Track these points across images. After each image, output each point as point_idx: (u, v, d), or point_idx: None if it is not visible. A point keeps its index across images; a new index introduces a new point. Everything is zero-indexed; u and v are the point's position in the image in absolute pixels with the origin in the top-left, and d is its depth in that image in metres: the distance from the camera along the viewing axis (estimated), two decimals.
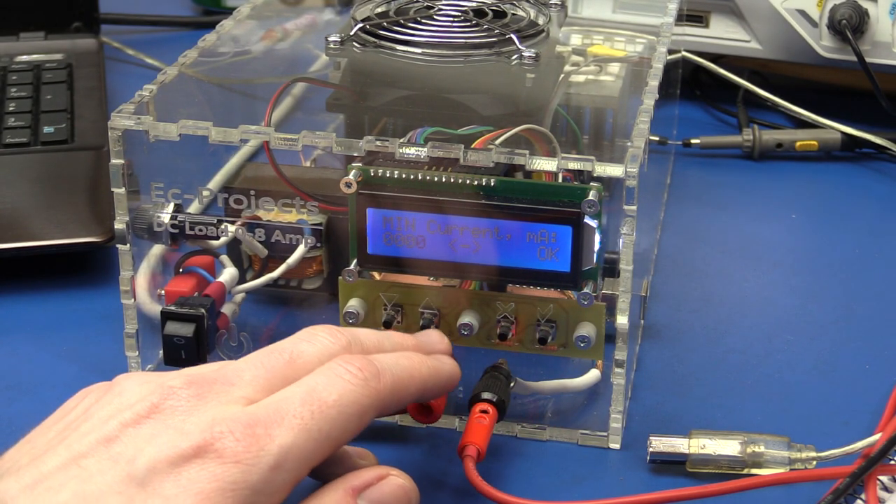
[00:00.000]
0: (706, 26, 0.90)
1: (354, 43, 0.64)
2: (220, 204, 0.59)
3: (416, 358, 0.51)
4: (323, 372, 0.47)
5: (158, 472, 0.42)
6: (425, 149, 0.53)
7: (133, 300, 0.59)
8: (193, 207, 0.60)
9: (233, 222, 0.59)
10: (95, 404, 0.46)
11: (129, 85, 0.70)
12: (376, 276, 0.58)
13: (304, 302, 0.65)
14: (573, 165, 0.52)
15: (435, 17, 0.65)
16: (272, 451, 0.43)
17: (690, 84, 0.95)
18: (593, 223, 0.54)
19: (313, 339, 0.49)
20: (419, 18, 0.65)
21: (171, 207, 0.59)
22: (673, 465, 0.55)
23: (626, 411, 0.58)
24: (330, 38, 0.64)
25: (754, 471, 0.54)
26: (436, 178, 0.54)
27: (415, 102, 0.63)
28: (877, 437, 0.53)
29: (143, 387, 0.45)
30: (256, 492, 0.43)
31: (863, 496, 0.51)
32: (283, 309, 0.66)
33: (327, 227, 0.61)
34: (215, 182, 0.71)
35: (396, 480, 0.47)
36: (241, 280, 0.61)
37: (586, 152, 0.54)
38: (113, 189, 0.57)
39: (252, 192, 0.59)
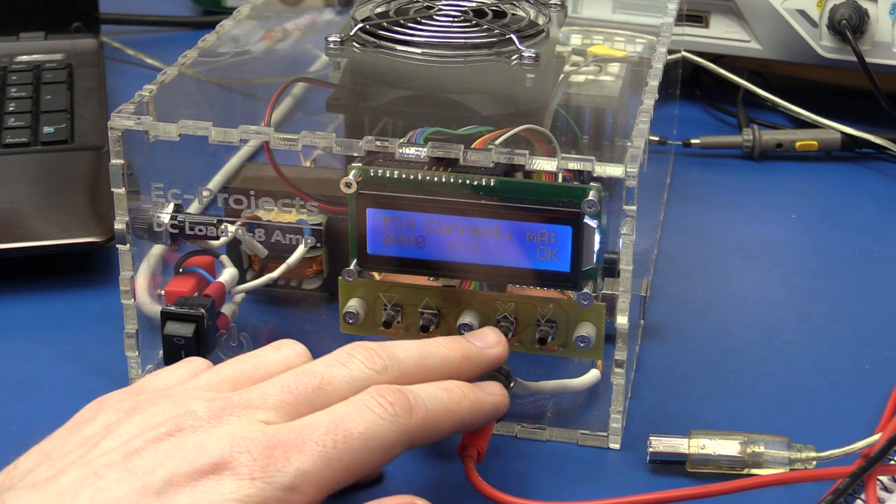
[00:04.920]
0: (706, 26, 0.90)
1: (354, 43, 0.64)
2: (220, 204, 0.59)
3: (458, 391, 0.49)
4: (354, 402, 0.46)
5: (175, 484, 0.42)
6: (425, 149, 0.53)
7: (133, 300, 0.59)
8: (193, 207, 0.60)
9: (233, 222, 0.59)
10: (116, 423, 0.45)
11: (129, 85, 0.70)
12: (376, 276, 0.58)
13: (304, 302, 0.65)
14: (573, 165, 0.52)
15: (435, 17, 0.65)
16: (289, 472, 0.43)
17: (690, 84, 0.95)
18: (593, 223, 0.54)
19: (349, 363, 0.48)
20: (419, 18, 0.65)
21: (171, 207, 0.59)
22: (673, 465, 0.55)
23: (626, 411, 0.58)
24: (330, 38, 0.64)
25: (754, 471, 0.54)
26: (436, 178, 0.54)
27: (415, 102, 0.63)
28: (877, 437, 0.53)
29: (167, 409, 0.45)
30: None
31: (863, 496, 0.51)
32: (283, 309, 0.66)
33: (327, 227, 0.61)
34: (215, 182, 0.71)
35: None
36: (241, 280, 0.61)
37: (586, 152, 0.54)
38: (113, 189, 0.57)
39: (252, 192, 0.59)
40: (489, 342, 0.53)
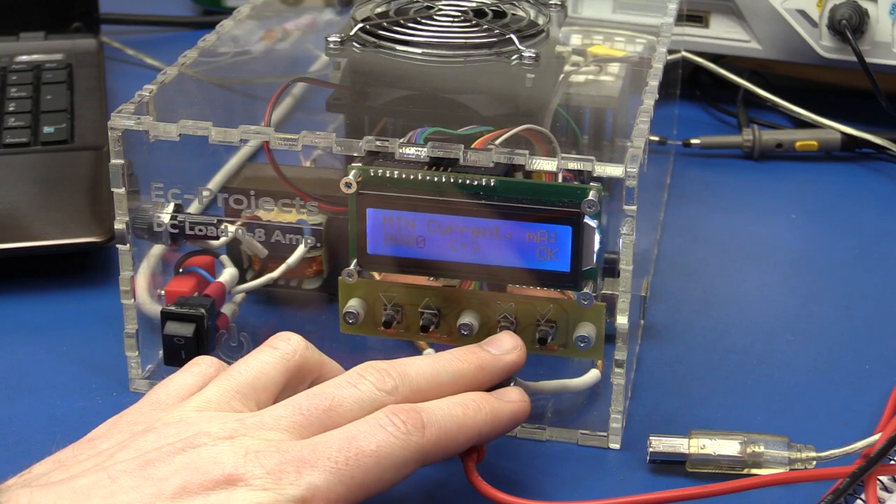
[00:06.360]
0: (706, 26, 0.90)
1: (354, 43, 0.64)
2: (220, 204, 0.59)
3: (473, 404, 0.49)
4: (367, 420, 0.46)
5: (189, 491, 0.43)
6: (425, 149, 0.53)
7: (133, 300, 0.59)
8: (193, 207, 0.60)
9: (233, 222, 0.59)
10: (130, 440, 0.46)
11: (129, 85, 0.70)
12: (376, 276, 0.58)
13: (304, 302, 0.65)
14: (573, 165, 0.52)
15: (435, 17, 0.65)
16: (301, 484, 0.43)
17: (690, 84, 0.95)
18: (593, 223, 0.54)
19: (359, 384, 0.48)
20: (419, 18, 0.65)
21: (171, 207, 0.59)
22: (673, 465, 0.55)
23: (626, 411, 0.58)
24: (330, 38, 0.64)
25: (754, 471, 0.54)
26: (436, 178, 0.54)
27: (415, 102, 0.63)
28: (877, 437, 0.53)
29: (182, 430, 0.45)
30: None
31: (863, 496, 0.51)
32: (283, 309, 0.66)
33: (327, 227, 0.61)
34: (215, 182, 0.71)
35: None
36: (241, 280, 0.61)
37: (586, 152, 0.54)
38: (113, 189, 0.57)
39: (252, 192, 0.59)
40: (505, 348, 0.53)
